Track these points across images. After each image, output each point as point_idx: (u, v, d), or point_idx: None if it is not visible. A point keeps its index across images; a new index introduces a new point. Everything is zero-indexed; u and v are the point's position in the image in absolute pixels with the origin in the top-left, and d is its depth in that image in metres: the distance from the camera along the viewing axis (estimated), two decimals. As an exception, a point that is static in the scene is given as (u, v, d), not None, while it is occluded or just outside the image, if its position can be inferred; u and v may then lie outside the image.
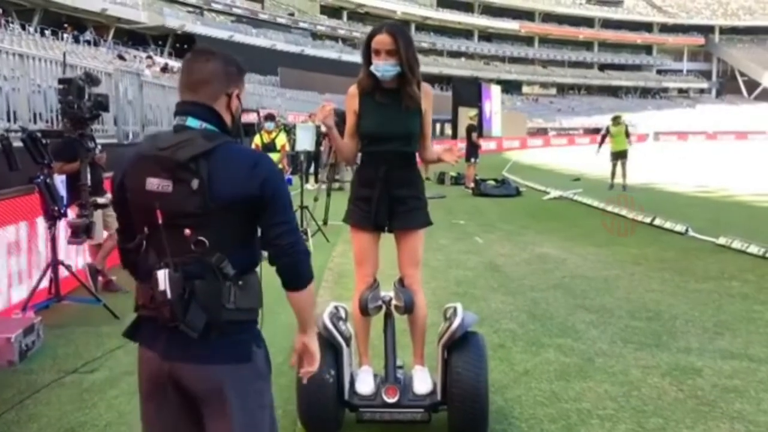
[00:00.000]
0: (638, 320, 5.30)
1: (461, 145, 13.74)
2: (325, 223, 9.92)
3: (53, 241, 5.19)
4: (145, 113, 10.87)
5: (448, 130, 43.20)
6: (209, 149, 1.81)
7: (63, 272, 5.34)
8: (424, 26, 72.91)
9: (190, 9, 50.14)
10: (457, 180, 17.93)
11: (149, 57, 36.28)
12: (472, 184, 15.84)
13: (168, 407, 1.90)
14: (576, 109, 74.27)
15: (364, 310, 3.37)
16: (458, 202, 13.98)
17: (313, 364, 2.04)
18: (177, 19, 46.71)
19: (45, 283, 5.27)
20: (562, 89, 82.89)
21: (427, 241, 9.39)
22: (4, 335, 4.33)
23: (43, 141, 5.02)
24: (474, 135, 16.42)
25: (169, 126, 8.99)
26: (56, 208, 5.02)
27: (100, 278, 6.12)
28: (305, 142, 10.09)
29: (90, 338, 4.87)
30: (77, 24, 40.41)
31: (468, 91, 42.32)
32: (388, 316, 3.48)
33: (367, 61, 3.22)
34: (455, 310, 3.37)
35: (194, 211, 1.80)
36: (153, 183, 1.83)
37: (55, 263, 5.23)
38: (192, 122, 1.88)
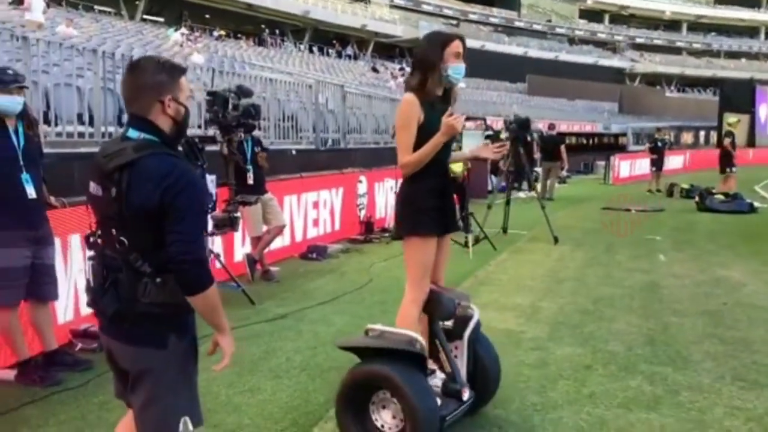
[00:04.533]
0: (774, 359, 4.60)
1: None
2: (504, 231, 9.91)
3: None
4: (347, 121, 11.62)
5: (714, 138, 39.19)
6: (131, 161, 2.02)
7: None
8: (697, 26, 66.98)
9: (446, 20, 52.01)
10: (689, 193, 16.36)
11: (401, 69, 38.47)
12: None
13: (116, 372, 2.27)
14: None
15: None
16: (672, 216, 12.82)
17: (225, 360, 2.20)
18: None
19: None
20: None
21: (601, 257, 8.94)
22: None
23: (199, 146, 5.84)
24: (726, 141, 14.82)
25: (373, 134, 9.91)
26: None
27: (258, 267, 6.90)
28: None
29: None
30: (342, 40, 44.37)
31: (739, 95, 37.99)
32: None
33: (436, 67, 3.24)
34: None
35: (113, 215, 2.06)
36: (93, 186, 2.14)
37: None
38: (132, 133, 2.12)
